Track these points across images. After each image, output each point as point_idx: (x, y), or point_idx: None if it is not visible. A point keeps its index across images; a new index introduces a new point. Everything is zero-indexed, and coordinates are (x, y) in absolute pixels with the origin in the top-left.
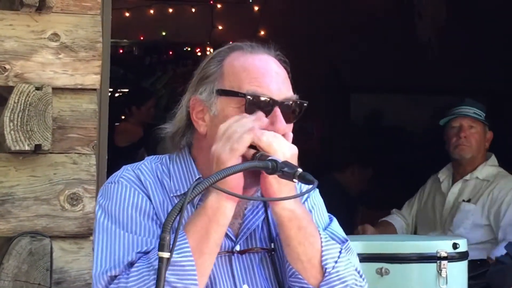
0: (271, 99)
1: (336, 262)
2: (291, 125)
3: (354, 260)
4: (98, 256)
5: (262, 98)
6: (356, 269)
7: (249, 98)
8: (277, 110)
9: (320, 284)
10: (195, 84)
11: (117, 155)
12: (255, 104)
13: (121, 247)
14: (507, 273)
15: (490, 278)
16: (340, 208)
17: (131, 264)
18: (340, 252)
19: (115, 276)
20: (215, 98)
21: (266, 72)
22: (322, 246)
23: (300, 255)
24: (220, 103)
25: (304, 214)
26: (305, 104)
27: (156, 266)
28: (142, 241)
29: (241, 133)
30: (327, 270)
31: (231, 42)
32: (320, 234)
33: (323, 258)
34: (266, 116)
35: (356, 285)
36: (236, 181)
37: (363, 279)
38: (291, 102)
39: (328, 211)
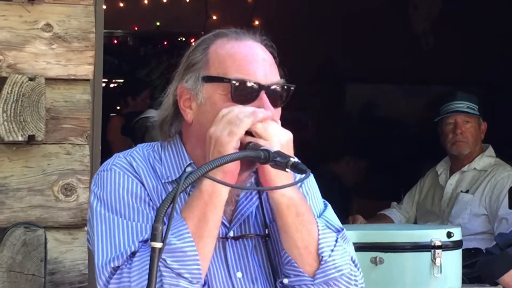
0: (257, 84)
1: (332, 250)
2: (279, 110)
3: (350, 250)
4: (99, 247)
5: (248, 84)
6: (351, 259)
7: (235, 84)
8: (264, 95)
9: (316, 272)
10: (181, 73)
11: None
12: (241, 90)
13: (120, 235)
14: (496, 264)
15: (479, 269)
16: (335, 199)
17: (133, 254)
18: (336, 240)
19: (118, 267)
20: (201, 85)
21: (252, 58)
22: (319, 234)
23: (297, 242)
24: (206, 91)
25: (301, 201)
26: (292, 88)
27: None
28: (142, 228)
29: (242, 117)
30: (323, 258)
31: None
32: (317, 222)
33: (320, 246)
34: (252, 101)
35: (351, 274)
36: (234, 166)
37: (358, 269)
38: (277, 87)
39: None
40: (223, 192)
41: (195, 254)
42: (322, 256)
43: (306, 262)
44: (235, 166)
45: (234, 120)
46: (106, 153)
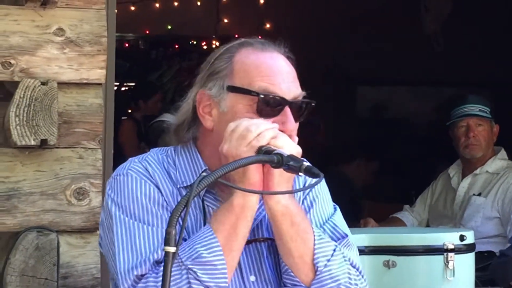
0: (282, 98)
1: (328, 260)
2: (297, 125)
3: (352, 256)
4: (120, 252)
5: (274, 98)
6: (354, 266)
7: (261, 97)
8: (288, 110)
9: (312, 282)
10: (204, 79)
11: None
12: (266, 104)
13: (141, 241)
14: (510, 266)
15: (493, 271)
16: (345, 201)
17: (157, 262)
18: (334, 250)
19: (142, 275)
20: (225, 94)
21: (277, 71)
22: (314, 244)
23: (292, 251)
24: (229, 100)
25: (297, 210)
26: (313, 104)
27: (189, 266)
28: (162, 233)
29: (261, 131)
30: (319, 269)
31: (236, 36)
32: (313, 232)
33: (315, 256)
34: (276, 115)
35: (350, 283)
36: (258, 177)
37: (362, 276)
38: (300, 102)
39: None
40: (254, 205)
41: (224, 268)
42: (318, 267)
43: (302, 271)
44: (259, 176)
45: (247, 134)
46: (118, 156)
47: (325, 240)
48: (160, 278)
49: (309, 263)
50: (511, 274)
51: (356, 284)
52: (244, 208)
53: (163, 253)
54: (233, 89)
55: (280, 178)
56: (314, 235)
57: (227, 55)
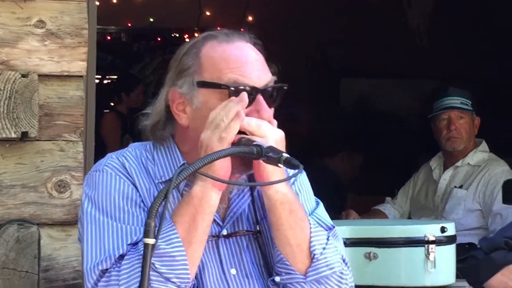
0: (253, 87)
1: (324, 248)
2: (273, 110)
3: (340, 248)
4: (88, 249)
5: (245, 87)
6: (342, 257)
7: (232, 89)
8: (260, 98)
9: (308, 270)
10: (173, 77)
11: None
12: (237, 94)
13: (110, 238)
14: (481, 269)
15: (465, 273)
16: (329, 194)
17: (121, 257)
18: (327, 238)
19: (106, 270)
20: (195, 90)
21: (245, 61)
22: (311, 232)
23: (290, 240)
24: (202, 96)
25: (294, 199)
26: (285, 88)
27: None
28: (131, 230)
29: (228, 122)
30: (315, 256)
31: (218, 28)
32: (309, 220)
33: (312, 243)
34: (250, 104)
35: (342, 273)
36: (224, 169)
37: (348, 268)
38: (271, 88)
39: (318, 197)
40: (213, 198)
41: (184, 259)
42: (314, 254)
43: (298, 259)
44: (225, 170)
45: (220, 124)
46: (100, 149)
47: (319, 228)
48: (122, 272)
49: (306, 251)
50: (482, 277)
51: (346, 274)
52: (202, 201)
53: (128, 247)
54: (203, 84)
55: (274, 168)
56: (310, 223)
57: (193, 51)
